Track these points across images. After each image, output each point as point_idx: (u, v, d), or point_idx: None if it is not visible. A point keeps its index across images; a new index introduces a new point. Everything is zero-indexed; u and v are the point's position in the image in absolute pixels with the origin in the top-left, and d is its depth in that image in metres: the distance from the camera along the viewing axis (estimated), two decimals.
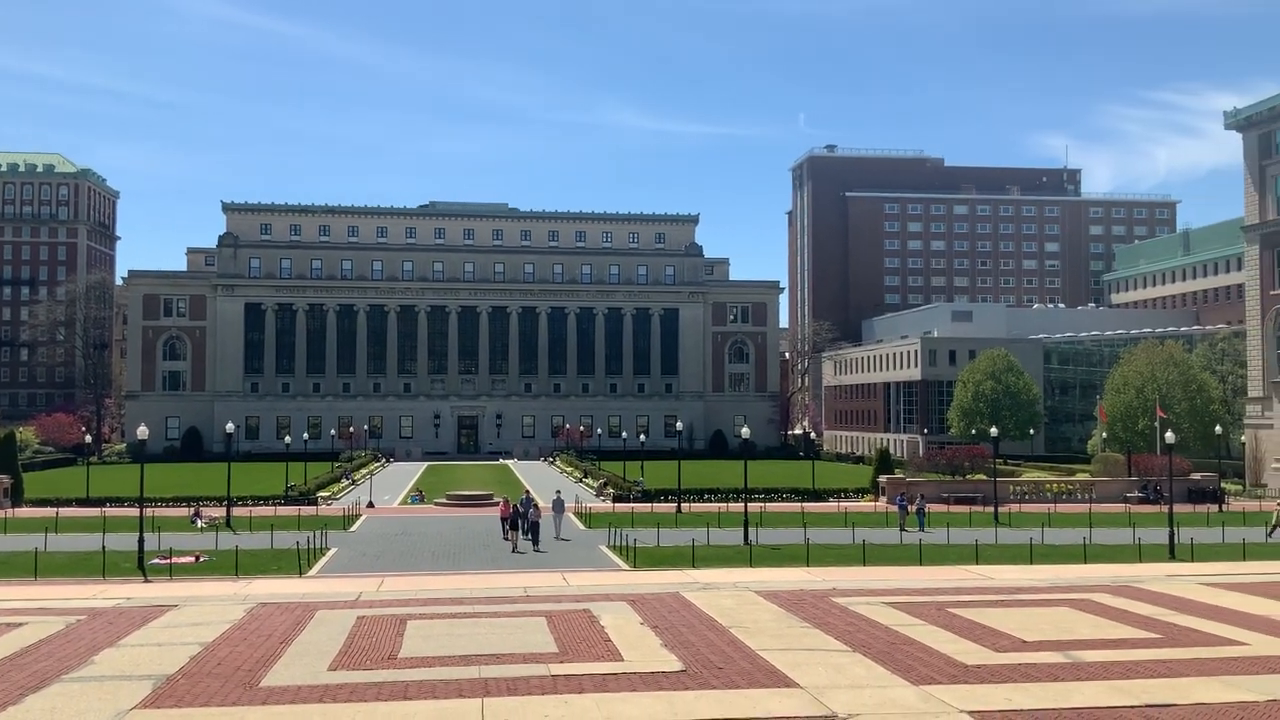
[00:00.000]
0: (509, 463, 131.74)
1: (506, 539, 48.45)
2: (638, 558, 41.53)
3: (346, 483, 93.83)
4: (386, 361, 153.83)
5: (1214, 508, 67.18)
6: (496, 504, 61.75)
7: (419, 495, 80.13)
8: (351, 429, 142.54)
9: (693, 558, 39.92)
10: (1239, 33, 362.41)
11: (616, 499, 76.42)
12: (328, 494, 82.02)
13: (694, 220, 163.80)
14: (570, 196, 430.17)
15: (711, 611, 23.50)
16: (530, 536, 47.09)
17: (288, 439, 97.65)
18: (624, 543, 45.21)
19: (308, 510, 66.93)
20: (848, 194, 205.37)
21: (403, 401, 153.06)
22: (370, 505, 71.53)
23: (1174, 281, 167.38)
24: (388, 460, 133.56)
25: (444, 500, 74.69)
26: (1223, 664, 18.40)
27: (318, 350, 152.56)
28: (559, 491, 53.26)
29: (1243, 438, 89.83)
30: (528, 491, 51.12)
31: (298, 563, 41.26)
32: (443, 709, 15.24)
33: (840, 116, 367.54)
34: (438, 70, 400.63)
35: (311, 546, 44.60)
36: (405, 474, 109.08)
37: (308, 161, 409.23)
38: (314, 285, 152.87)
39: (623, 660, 18.54)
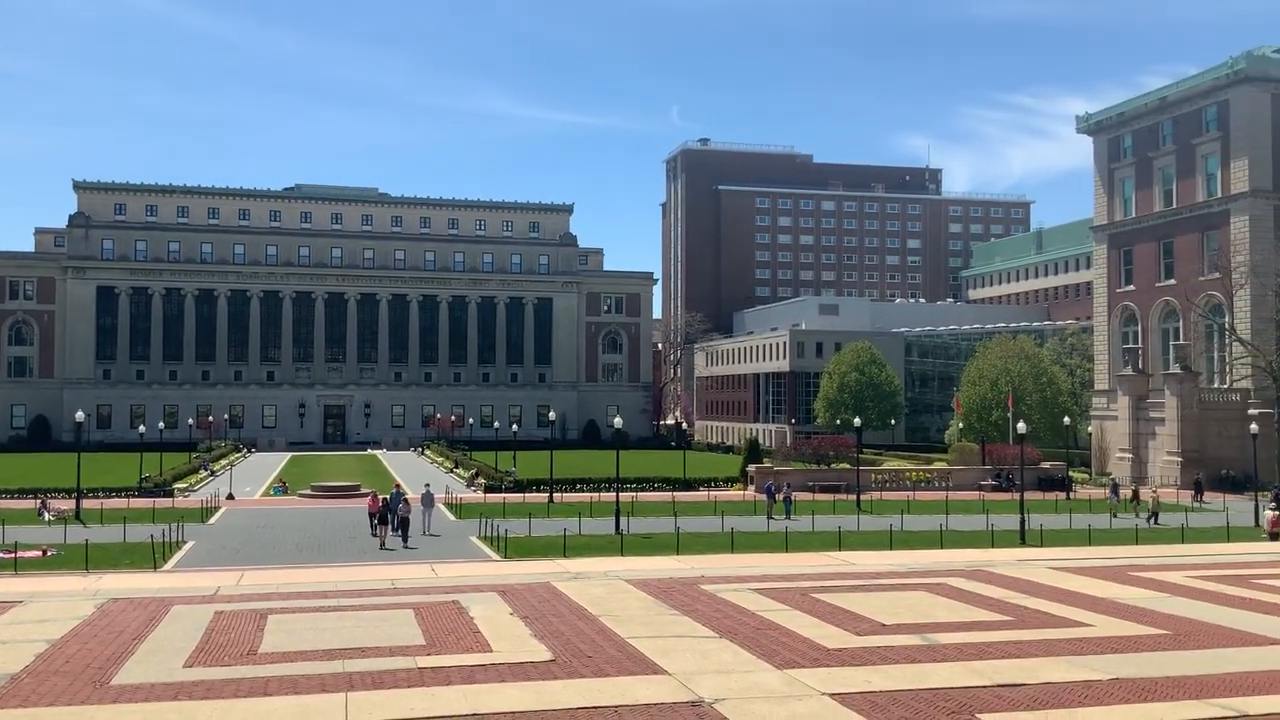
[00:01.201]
0: (378, 453, 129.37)
1: (374, 535, 46.95)
2: (509, 548, 41.34)
3: (205, 474, 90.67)
4: (249, 349, 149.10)
5: (1062, 495, 70.47)
6: (364, 495, 60.49)
7: (282, 486, 78.02)
8: (211, 418, 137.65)
9: (564, 547, 39.91)
10: (1090, 40, 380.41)
11: (488, 489, 75.86)
12: (185, 485, 79.12)
13: (568, 210, 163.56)
14: (443, 183, 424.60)
15: (582, 601, 23.54)
16: (400, 532, 45.98)
17: (142, 428, 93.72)
18: (495, 533, 44.92)
19: (163, 502, 64.46)
20: (720, 187, 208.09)
21: (266, 390, 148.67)
22: (230, 497, 69.26)
23: (1027, 279, 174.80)
24: (250, 451, 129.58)
25: (309, 491, 72.91)
26: (1069, 644, 19.30)
27: (175, 336, 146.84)
28: (428, 485, 52.46)
29: (1089, 428, 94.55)
30: (398, 485, 50.19)
31: (152, 557, 39.70)
32: (305, 705, 14.87)
33: (713, 111, 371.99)
34: (304, 49, 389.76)
35: (167, 540, 42.97)
36: (268, 465, 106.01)
37: (165, 141, 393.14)
38: (171, 268, 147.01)
39: (492, 651, 18.40)
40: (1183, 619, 21.92)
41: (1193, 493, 67.62)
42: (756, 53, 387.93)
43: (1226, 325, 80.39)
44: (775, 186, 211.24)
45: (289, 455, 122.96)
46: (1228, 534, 46.06)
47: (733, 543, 40.45)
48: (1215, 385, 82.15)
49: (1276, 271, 75.07)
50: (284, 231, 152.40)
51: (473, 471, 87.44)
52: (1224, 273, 78.86)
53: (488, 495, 71.66)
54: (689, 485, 77.25)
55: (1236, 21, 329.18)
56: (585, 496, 68.82)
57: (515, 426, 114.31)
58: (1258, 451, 64.70)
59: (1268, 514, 45.95)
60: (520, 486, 75.56)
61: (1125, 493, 64.29)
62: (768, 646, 18.76)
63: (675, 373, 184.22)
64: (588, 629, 20.39)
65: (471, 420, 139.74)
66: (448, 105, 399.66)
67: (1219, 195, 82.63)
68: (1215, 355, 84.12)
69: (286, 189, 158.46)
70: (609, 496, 61.01)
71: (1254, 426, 63.57)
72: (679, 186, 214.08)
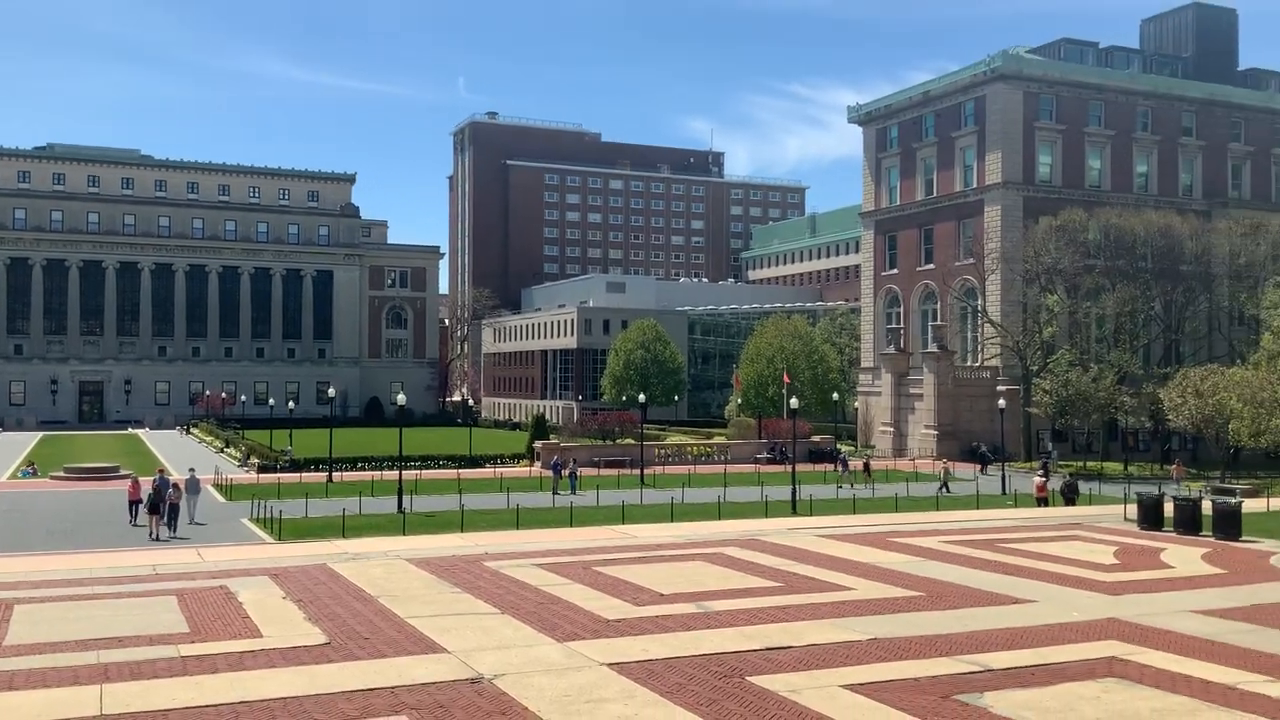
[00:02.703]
0: (140, 433, 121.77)
1: (134, 524, 43.60)
2: (283, 530, 39.84)
3: None
4: None
5: (831, 467, 74.11)
6: (124, 477, 56.76)
7: (31, 469, 72.31)
8: None
9: (343, 528, 38.82)
10: (861, 34, 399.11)
11: (262, 470, 72.82)
12: None
13: (350, 179, 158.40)
14: (212, 147, 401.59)
15: (360, 582, 23.03)
16: (169, 521, 42.84)
17: None
18: (269, 515, 43.20)
19: None
20: (509, 162, 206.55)
21: (13, 365, 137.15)
22: None
23: (802, 261, 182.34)
24: None
25: (61, 474, 67.86)
26: (833, 608, 20.38)
27: None
28: (193, 469, 49.59)
29: (856, 404, 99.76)
30: (161, 471, 47.31)
31: None
32: (55, 699, 13.90)
33: (501, 84, 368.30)
34: None
35: None
36: (16, 445, 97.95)
37: None
38: None
39: (262, 637, 17.76)
40: (936, 581, 23.53)
41: (978, 465, 71.46)
42: (545, 27, 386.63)
43: (979, 308, 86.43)
44: (564, 163, 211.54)
45: (40, 435, 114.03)
46: (977, 501, 49.67)
47: (518, 519, 40.44)
48: (968, 364, 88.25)
49: (1024, 258, 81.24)
50: (34, 194, 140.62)
51: (245, 451, 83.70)
52: (978, 259, 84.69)
53: (261, 476, 68.79)
54: (475, 462, 76.59)
55: (994, 21, 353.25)
56: (367, 475, 67.14)
57: (292, 404, 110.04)
58: (1005, 425, 70.16)
59: (1036, 480, 50.01)
60: (297, 466, 72.87)
61: (855, 464, 67.57)
62: (549, 620, 18.91)
63: (462, 349, 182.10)
64: (365, 610, 19.97)
65: (245, 398, 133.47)
66: (218, 65, 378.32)
67: (975, 186, 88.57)
68: (969, 335, 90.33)
69: (37, 148, 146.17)
70: (391, 475, 59.77)
71: (1002, 402, 68.80)
72: (467, 160, 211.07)
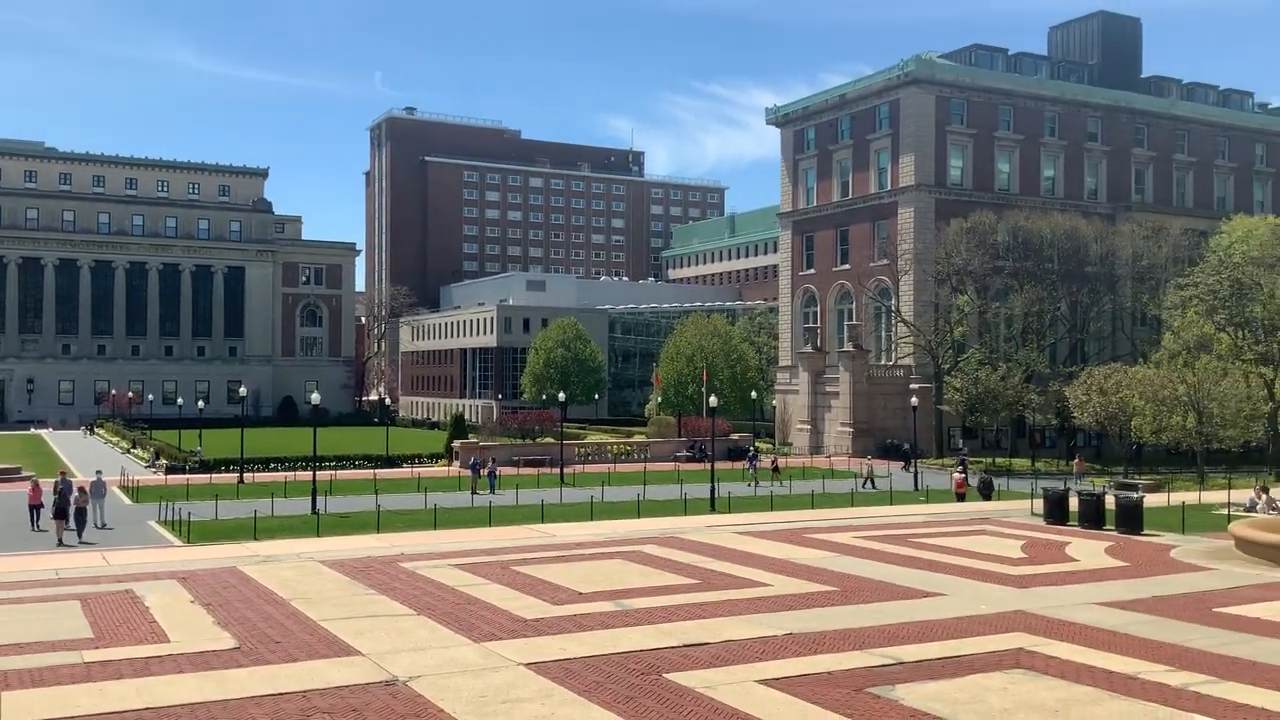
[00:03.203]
0: (43, 433, 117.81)
1: (37, 529, 41.93)
2: (192, 533, 38.89)
3: None
4: None
5: (766, 463, 74.70)
6: (26, 479, 54.85)
7: None
8: None
9: (255, 530, 38.02)
10: (779, 36, 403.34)
11: (170, 471, 71.00)
12: None
13: (263, 174, 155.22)
14: (119, 140, 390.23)
15: (271, 584, 22.60)
16: (75, 526, 41.21)
17: None
18: (177, 517, 42.14)
19: None
20: (427, 158, 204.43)
21: None
22: None
23: (722, 261, 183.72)
24: None
25: None
26: (749, 604, 20.58)
27: None
28: (99, 471, 48.05)
29: (774, 402, 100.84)
30: (63, 472, 45.76)
31: None
32: None
33: (419, 79, 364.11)
34: None
35: None
36: None
37: None
38: None
39: (169, 642, 17.33)
40: (850, 576, 23.91)
41: (903, 463, 72.32)
42: (464, 23, 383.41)
43: (893, 307, 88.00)
44: (484, 160, 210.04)
45: None
46: (890, 497, 50.56)
47: (435, 519, 40.02)
48: (883, 362, 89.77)
49: (936, 260, 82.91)
50: None
51: (153, 452, 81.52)
52: (892, 259, 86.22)
53: (170, 477, 67.07)
54: (392, 462, 75.67)
55: (909, 26, 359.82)
56: (279, 476, 65.86)
57: (202, 403, 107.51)
58: (917, 423, 71.53)
59: (955, 476, 51.13)
60: (207, 467, 71.23)
61: (764, 463, 67.75)
62: (466, 621, 18.78)
63: (379, 347, 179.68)
64: (277, 614, 19.61)
65: (152, 397, 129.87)
66: (126, 55, 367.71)
67: (889, 188, 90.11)
68: (883, 335, 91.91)
69: None
70: (305, 476, 58.74)
71: (914, 400, 70.17)
72: (384, 156, 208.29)
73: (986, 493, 48.05)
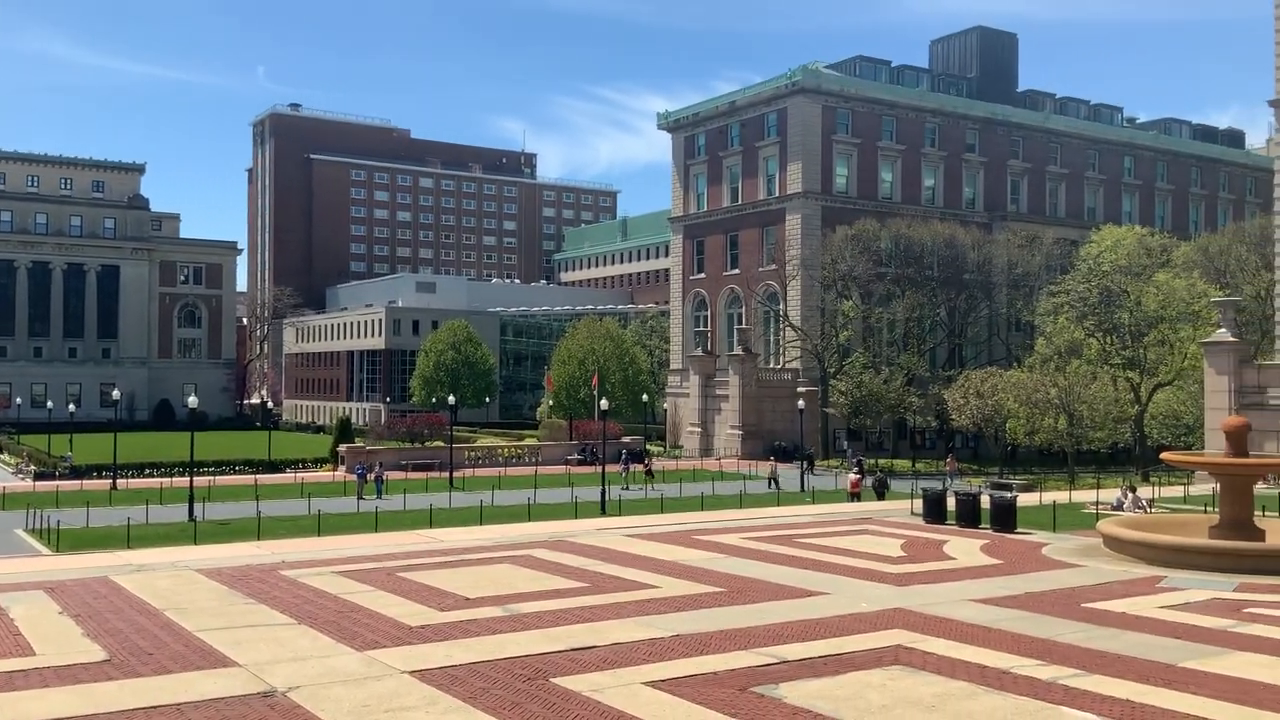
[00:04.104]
0: None
1: None
2: (61, 541, 37.32)
3: None
4: None
5: (642, 467, 75.09)
6: None
7: None
8: None
9: (128, 538, 36.66)
10: (670, 42, 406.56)
11: (39, 477, 68.05)
12: None
13: (140, 170, 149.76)
14: None
15: (145, 594, 21.82)
16: None
17: None
18: (45, 525, 40.39)
19: None
20: (313, 156, 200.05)
21: None
22: None
23: (614, 264, 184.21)
24: None
25: None
26: (638, 606, 20.65)
27: None
28: None
29: (665, 405, 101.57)
30: None
31: None
32: None
33: (304, 75, 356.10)
34: None
35: None
36: None
37: None
38: None
39: (35, 655, 16.59)
40: (737, 577, 24.19)
41: (801, 464, 73.12)
42: (351, 18, 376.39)
43: (781, 312, 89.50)
44: (372, 159, 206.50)
45: None
46: (778, 499, 51.36)
47: (319, 525, 39.14)
48: (771, 366, 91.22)
49: (822, 265, 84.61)
50: None
51: (21, 457, 77.95)
52: (780, 265, 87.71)
53: (39, 484, 64.27)
54: (275, 467, 73.90)
55: (797, 36, 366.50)
56: (155, 482, 63.69)
57: (73, 407, 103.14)
58: (804, 425, 72.90)
59: (851, 476, 52.28)
60: (78, 473, 68.48)
61: (636, 467, 67.70)
62: (349, 629, 18.43)
63: (262, 349, 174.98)
64: (150, 624, 18.95)
65: (20, 400, 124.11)
66: None
67: (777, 195, 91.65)
68: (771, 338, 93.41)
69: None
70: (182, 481, 56.89)
71: (801, 403, 71.49)
72: (267, 153, 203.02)
73: (881, 492, 49.36)
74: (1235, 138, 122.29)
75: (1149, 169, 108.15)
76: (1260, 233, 76.75)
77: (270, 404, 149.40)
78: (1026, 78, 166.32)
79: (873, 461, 77.54)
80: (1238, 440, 28.08)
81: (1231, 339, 53.66)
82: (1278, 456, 44.10)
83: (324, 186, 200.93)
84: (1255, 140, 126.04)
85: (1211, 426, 51.12)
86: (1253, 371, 53.86)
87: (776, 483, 59.48)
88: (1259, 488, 34.39)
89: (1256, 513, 28.91)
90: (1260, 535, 26.81)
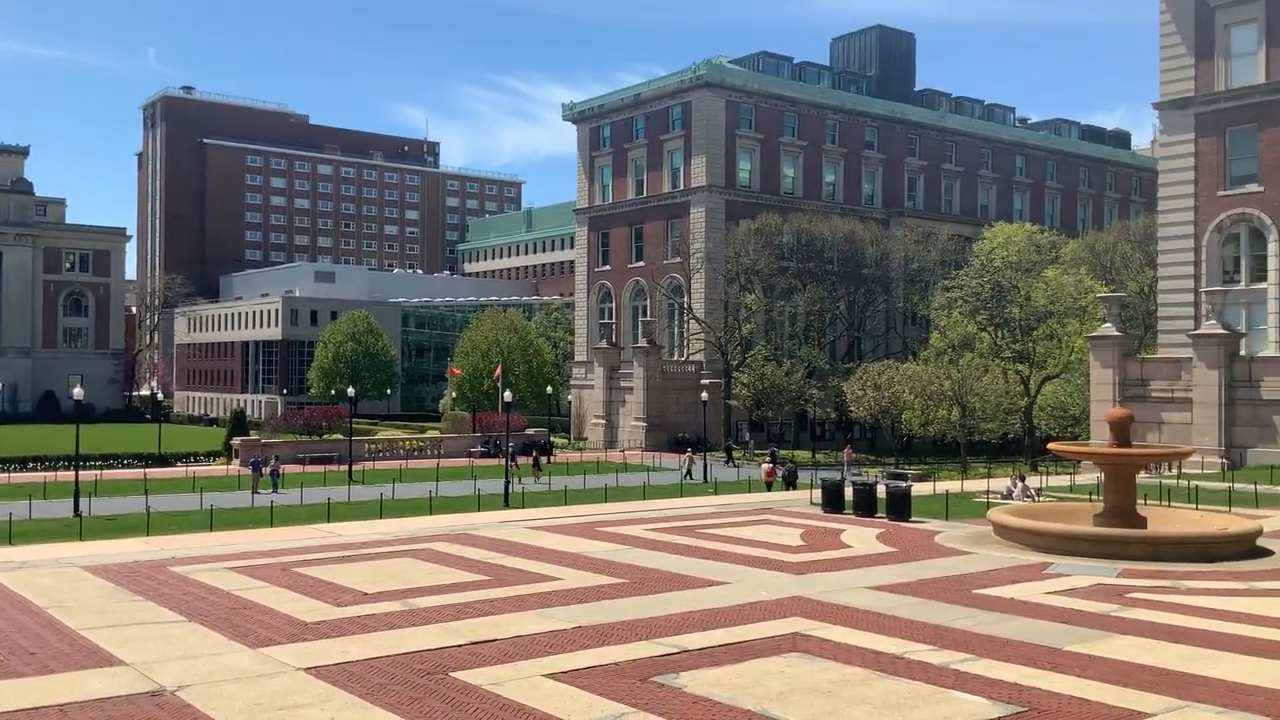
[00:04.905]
0: None
1: None
2: None
3: None
4: None
5: (545, 459, 74.90)
6: None
7: None
8: None
9: (9, 534, 35.20)
10: (574, 33, 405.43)
11: None
12: None
13: (23, 152, 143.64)
14: None
15: (26, 592, 20.98)
16: None
17: None
18: None
19: None
20: (206, 141, 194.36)
21: None
22: None
23: (519, 255, 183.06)
24: None
25: None
26: (539, 598, 20.58)
27: None
28: None
29: (570, 397, 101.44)
30: None
31: None
32: None
33: (198, 57, 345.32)
34: None
35: None
36: None
37: None
38: None
39: None
40: (639, 568, 24.27)
41: (725, 456, 73.63)
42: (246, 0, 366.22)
43: (685, 305, 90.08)
44: (268, 145, 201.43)
45: None
46: (681, 490, 51.70)
47: (211, 520, 38.10)
48: (676, 358, 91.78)
49: (726, 259, 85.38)
50: None
51: None
52: (684, 258, 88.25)
53: None
54: (165, 461, 71.85)
55: (701, 30, 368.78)
56: (38, 476, 61.29)
57: None
58: (707, 417, 73.54)
59: (765, 466, 52.96)
60: None
61: (523, 460, 66.49)
62: (242, 626, 17.98)
63: (152, 339, 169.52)
64: (31, 623, 18.23)
65: None
66: None
67: (682, 188, 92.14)
68: (676, 331, 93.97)
69: None
70: (68, 475, 54.87)
71: (704, 395, 72.11)
72: (158, 136, 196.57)
73: (792, 482, 50.13)
74: (1122, 139, 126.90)
75: (1039, 168, 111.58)
76: (1144, 231, 79.90)
77: (161, 396, 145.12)
78: (924, 77, 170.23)
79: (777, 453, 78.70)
80: (1121, 431, 29.16)
81: (1116, 333, 55.75)
82: (1159, 447, 45.97)
83: (218, 172, 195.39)
84: (1141, 141, 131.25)
85: (1096, 418, 53.10)
86: (1136, 365, 56.04)
87: (691, 474, 59.97)
88: (1141, 477, 35.76)
89: (1139, 501, 30.06)
90: (1142, 523, 27.89)
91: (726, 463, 69.69)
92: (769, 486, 50.94)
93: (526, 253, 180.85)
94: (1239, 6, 58.97)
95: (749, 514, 35.83)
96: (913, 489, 36.95)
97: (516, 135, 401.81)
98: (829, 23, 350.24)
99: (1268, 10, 57.66)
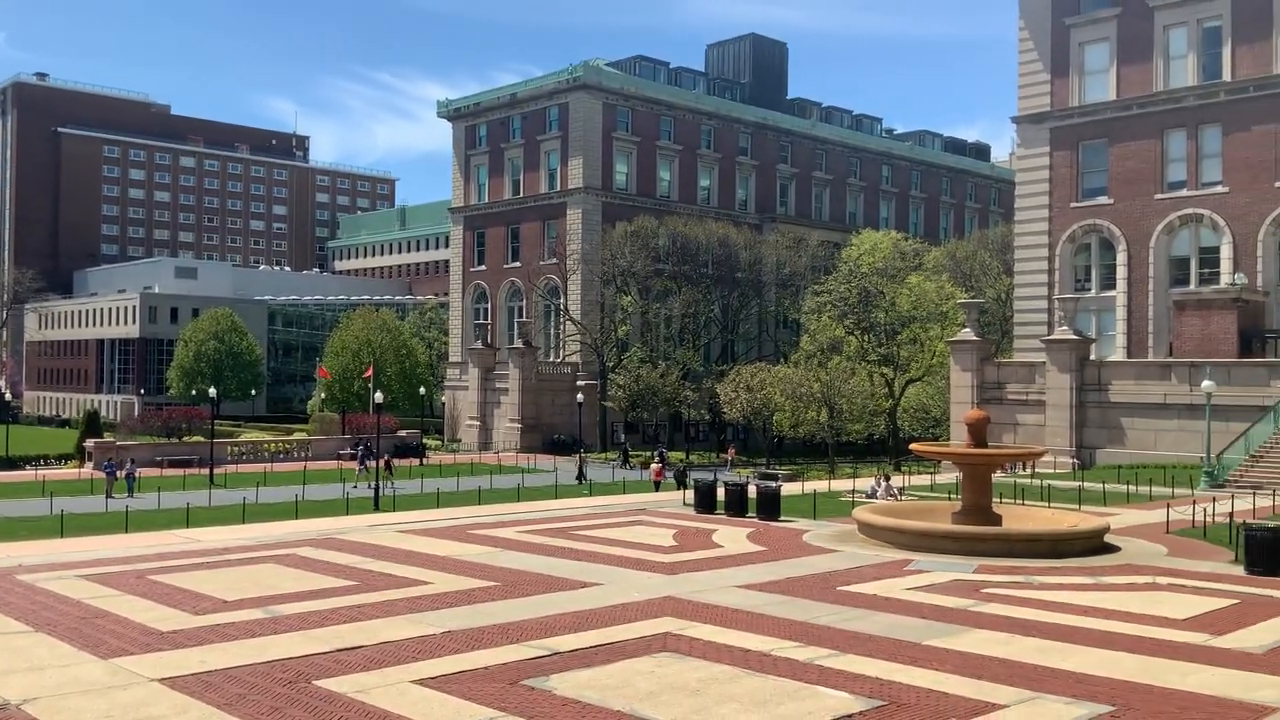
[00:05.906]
0: None
1: None
2: None
3: None
4: None
5: (416, 461, 73.82)
6: None
7: None
8: None
9: None
10: (449, 29, 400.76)
11: None
12: None
13: None
14: None
15: None
16: None
17: None
18: None
19: None
20: (61, 130, 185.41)
21: None
22: None
23: (392, 254, 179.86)
24: None
25: None
26: (409, 603, 20.26)
27: None
28: None
29: (444, 398, 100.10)
30: None
31: None
32: None
33: (51, 43, 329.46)
34: None
35: None
36: None
37: None
38: None
39: None
40: (512, 570, 24.12)
41: (620, 457, 73.34)
42: None
43: (561, 306, 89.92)
44: (127, 135, 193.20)
45: None
46: (555, 491, 51.57)
47: (62, 526, 36.34)
48: (552, 359, 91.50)
49: (602, 261, 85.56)
50: None
51: None
52: (560, 259, 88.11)
53: None
54: (13, 464, 68.35)
55: (577, 31, 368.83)
56: None
57: None
58: (583, 418, 73.55)
59: (654, 467, 53.26)
60: None
61: (371, 464, 64.13)
62: (93, 636, 17.21)
63: (1, 336, 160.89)
64: None
65: None
66: None
67: (558, 189, 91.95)
68: (552, 332, 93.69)
69: None
70: None
71: (580, 396, 72.13)
72: (8, 124, 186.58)
73: (683, 482, 50.29)
74: (982, 151, 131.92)
75: (905, 178, 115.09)
76: (1002, 240, 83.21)
77: (9, 396, 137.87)
78: (796, 86, 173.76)
79: (647, 453, 79.20)
80: (978, 432, 30.31)
81: (974, 338, 57.91)
82: (1014, 447, 47.92)
83: (73, 162, 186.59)
84: (1000, 154, 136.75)
85: (956, 419, 55.06)
86: (993, 368, 58.32)
87: (584, 476, 59.86)
88: (997, 476, 37.20)
89: (995, 499, 31.28)
90: (998, 520, 29.04)
91: (623, 464, 69.87)
92: (657, 486, 51.53)
93: (400, 251, 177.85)
94: (1092, 26, 62.04)
95: (623, 515, 35.98)
96: (783, 489, 37.69)
97: (390, 132, 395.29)
98: (703, 29, 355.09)
99: (1119, 30, 60.79)
